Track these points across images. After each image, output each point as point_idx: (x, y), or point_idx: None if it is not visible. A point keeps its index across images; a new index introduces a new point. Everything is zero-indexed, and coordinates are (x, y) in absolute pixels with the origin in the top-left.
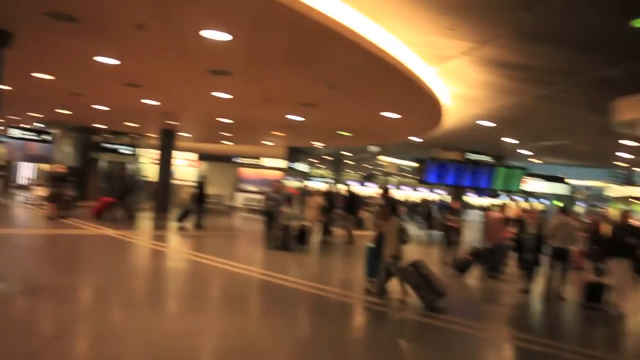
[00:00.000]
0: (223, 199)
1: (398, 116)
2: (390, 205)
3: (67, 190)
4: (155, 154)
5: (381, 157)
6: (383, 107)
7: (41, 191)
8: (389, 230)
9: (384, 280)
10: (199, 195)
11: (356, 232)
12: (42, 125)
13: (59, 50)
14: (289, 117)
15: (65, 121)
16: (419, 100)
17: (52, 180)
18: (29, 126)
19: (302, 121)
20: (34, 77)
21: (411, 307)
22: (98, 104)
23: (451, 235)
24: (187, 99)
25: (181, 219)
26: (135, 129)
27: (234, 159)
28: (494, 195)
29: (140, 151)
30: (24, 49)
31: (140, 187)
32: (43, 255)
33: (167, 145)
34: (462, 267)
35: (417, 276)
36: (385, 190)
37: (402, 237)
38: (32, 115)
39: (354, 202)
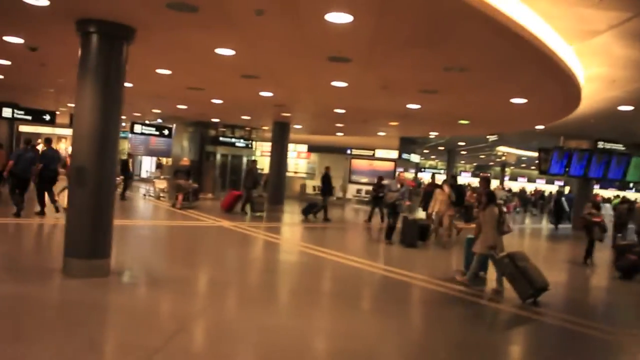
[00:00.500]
0: (334, 191)
1: (525, 101)
2: (488, 195)
3: (191, 183)
4: (268, 146)
5: (500, 148)
6: (513, 92)
7: (161, 183)
8: (486, 220)
9: (476, 270)
10: (325, 188)
11: (464, 225)
12: (161, 121)
13: (180, 44)
14: (407, 105)
15: (183, 116)
16: (556, 83)
17: (177, 173)
18: (149, 122)
19: (419, 109)
20: (155, 73)
21: (507, 299)
22: (216, 98)
23: (595, 232)
24: (303, 89)
25: (307, 212)
26: (248, 122)
27: (346, 151)
28: (623, 187)
29: (255, 144)
30: (146, 44)
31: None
32: (163, 246)
33: (280, 137)
34: (626, 269)
35: (513, 268)
36: (486, 180)
37: (500, 227)
38: (153, 112)
39: (460, 193)
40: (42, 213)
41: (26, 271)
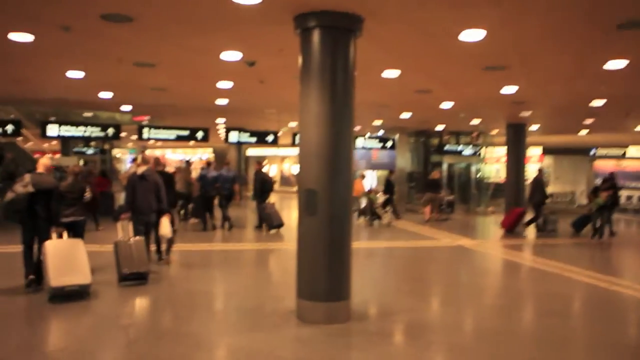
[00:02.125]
0: (574, 197)
1: None
2: None
3: (442, 195)
4: (495, 152)
5: None
6: None
7: (382, 197)
8: None
9: None
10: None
11: None
12: (382, 132)
13: (415, 32)
14: None
15: (405, 126)
16: None
17: (427, 185)
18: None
19: None
20: (380, 76)
21: None
22: (446, 100)
23: None
24: (561, 78)
25: (579, 225)
26: (475, 127)
27: (589, 151)
28: None
29: (484, 150)
30: (373, 38)
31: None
32: (403, 275)
33: (516, 140)
34: None
35: None
36: None
37: None
38: (374, 125)
39: None
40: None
41: (258, 314)
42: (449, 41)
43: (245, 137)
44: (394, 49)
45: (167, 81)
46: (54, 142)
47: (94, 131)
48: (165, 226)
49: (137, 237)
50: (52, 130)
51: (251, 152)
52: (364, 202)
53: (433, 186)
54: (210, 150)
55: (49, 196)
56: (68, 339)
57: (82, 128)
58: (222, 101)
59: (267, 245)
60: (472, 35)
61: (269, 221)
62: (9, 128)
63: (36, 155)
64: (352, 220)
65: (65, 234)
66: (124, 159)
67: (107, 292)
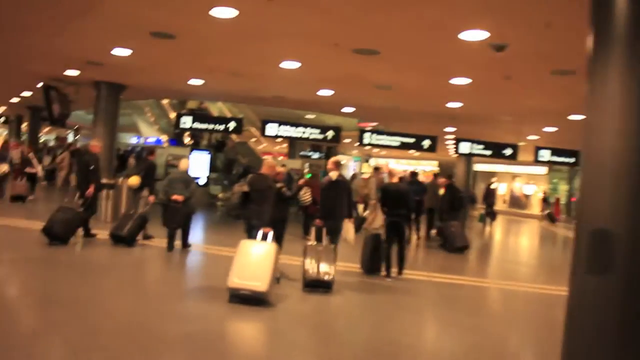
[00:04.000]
0: None
1: None
2: None
3: None
4: None
5: None
6: None
7: None
8: None
9: None
10: None
11: None
12: None
13: None
14: None
15: None
16: None
17: None
18: None
19: None
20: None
21: None
22: None
23: None
24: None
25: None
26: None
27: None
28: None
29: None
30: None
31: None
32: None
33: None
34: None
35: None
36: None
37: None
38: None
39: None
40: None
41: None
42: None
43: (478, 149)
44: None
45: (392, 75)
46: (284, 145)
47: (312, 133)
48: (348, 231)
49: (326, 244)
50: (272, 129)
51: (478, 167)
52: None
53: None
54: (435, 163)
55: (264, 196)
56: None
57: (301, 129)
58: (454, 104)
59: (458, 279)
60: None
61: (451, 242)
62: (231, 125)
63: (264, 156)
64: None
65: (270, 234)
66: (347, 165)
67: (287, 299)
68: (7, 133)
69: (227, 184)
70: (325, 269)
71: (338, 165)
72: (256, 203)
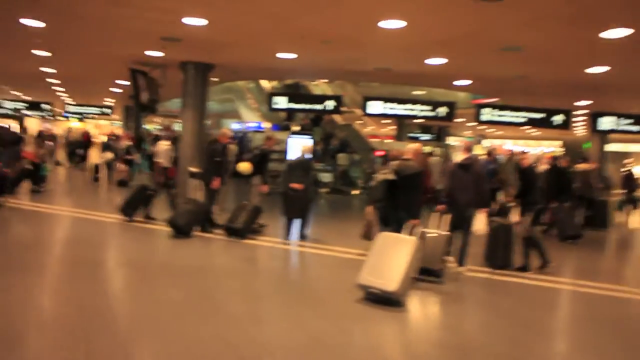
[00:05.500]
0: None
1: None
2: None
3: None
4: None
5: None
6: None
7: None
8: None
9: None
10: None
11: None
12: None
13: None
14: None
15: None
16: None
17: None
18: None
19: None
20: None
21: None
22: None
23: None
24: None
25: None
26: None
27: None
28: None
29: None
30: None
31: None
32: None
33: None
34: None
35: None
36: None
37: None
38: None
39: None
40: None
41: None
42: None
43: (624, 124)
44: None
45: (523, 32)
46: (391, 128)
47: (422, 110)
48: (479, 221)
49: (443, 232)
50: (375, 107)
51: (610, 147)
52: None
53: None
54: (559, 143)
55: (413, 183)
56: None
57: (409, 106)
58: (597, 69)
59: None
60: None
61: (561, 229)
62: (329, 104)
63: (371, 139)
64: None
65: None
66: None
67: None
68: (117, 124)
69: (331, 169)
70: (432, 257)
71: (469, 148)
72: (404, 193)
